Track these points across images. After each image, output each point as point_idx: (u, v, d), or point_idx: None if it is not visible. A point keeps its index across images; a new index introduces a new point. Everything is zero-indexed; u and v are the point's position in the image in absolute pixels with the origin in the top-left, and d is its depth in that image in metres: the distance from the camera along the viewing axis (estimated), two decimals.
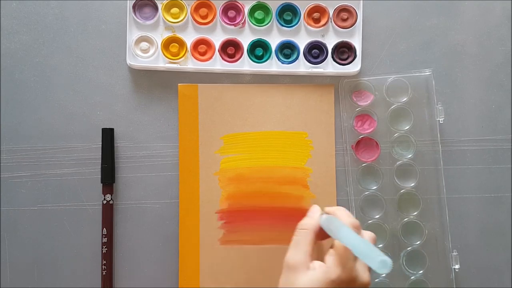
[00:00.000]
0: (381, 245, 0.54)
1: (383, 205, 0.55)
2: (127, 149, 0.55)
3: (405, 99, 0.55)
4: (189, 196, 0.54)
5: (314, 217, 0.46)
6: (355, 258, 0.42)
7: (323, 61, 0.54)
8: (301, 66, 0.55)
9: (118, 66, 0.55)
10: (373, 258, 0.37)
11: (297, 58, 0.54)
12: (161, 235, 0.54)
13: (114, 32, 0.55)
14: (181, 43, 0.54)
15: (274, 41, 0.54)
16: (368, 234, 0.45)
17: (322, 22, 0.54)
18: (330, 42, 0.55)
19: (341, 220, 0.43)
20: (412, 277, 0.54)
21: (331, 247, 0.43)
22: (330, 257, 0.42)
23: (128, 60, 0.54)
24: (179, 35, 0.54)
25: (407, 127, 0.55)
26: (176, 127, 0.55)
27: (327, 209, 0.46)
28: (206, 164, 0.54)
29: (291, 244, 0.44)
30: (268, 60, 0.54)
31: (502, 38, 0.56)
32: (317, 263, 0.42)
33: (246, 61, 0.55)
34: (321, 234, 0.45)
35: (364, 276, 0.42)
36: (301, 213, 0.54)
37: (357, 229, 0.43)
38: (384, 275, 0.54)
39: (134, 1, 0.53)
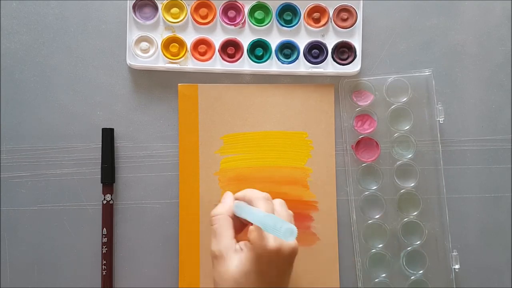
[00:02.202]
0: (381, 245, 0.54)
1: (383, 205, 0.55)
2: (127, 149, 0.55)
3: (405, 99, 0.55)
4: (189, 196, 0.54)
5: (226, 202, 0.47)
6: None
7: (323, 61, 0.54)
8: (301, 66, 0.55)
9: (118, 66, 0.55)
10: (278, 229, 0.38)
11: (297, 58, 0.54)
12: (161, 235, 0.54)
13: (114, 32, 0.55)
14: (181, 43, 0.54)
15: (274, 41, 0.54)
16: (278, 201, 0.47)
17: (322, 22, 0.54)
18: (330, 42, 0.55)
19: (252, 199, 0.45)
20: (412, 277, 0.54)
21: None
22: (252, 233, 0.43)
23: (128, 60, 0.54)
24: (179, 35, 0.54)
25: (407, 127, 0.55)
26: (176, 127, 0.55)
27: (236, 194, 0.48)
28: (206, 164, 0.54)
29: (211, 234, 0.45)
30: (268, 60, 0.54)
31: (502, 38, 0.56)
32: (242, 243, 0.43)
33: (246, 61, 0.55)
34: (237, 226, 0.46)
35: (288, 241, 0.42)
36: (301, 213, 0.54)
37: (269, 201, 0.45)
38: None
39: (134, 1, 0.53)
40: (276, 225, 0.39)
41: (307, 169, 0.54)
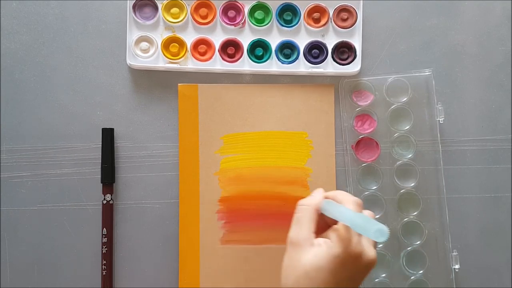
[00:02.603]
0: (381, 245, 0.54)
1: (383, 205, 0.55)
2: (127, 149, 0.55)
3: (405, 99, 0.55)
4: (189, 196, 0.54)
5: (315, 197, 0.45)
6: (360, 234, 0.41)
7: (323, 61, 0.54)
8: (301, 66, 0.55)
9: (118, 66, 0.55)
10: (369, 228, 0.37)
11: (297, 58, 0.54)
12: (161, 235, 0.54)
13: (114, 32, 0.55)
14: (181, 43, 0.54)
15: (274, 41, 0.54)
16: (367, 212, 0.45)
17: (322, 22, 0.54)
18: (330, 42, 0.55)
19: (342, 201, 0.43)
20: (412, 277, 0.54)
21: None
22: (334, 232, 0.41)
23: (128, 60, 0.54)
24: (179, 35, 0.54)
25: (407, 127, 0.55)
26: (176, 127, 0.55)
27: (327, 194, 0.46)
28: (206, 164, 0.54)
29: (293, 221, 0.44)
30: (268, 60, 0.54)
31: (502, 38, 0.56)
32: (321, 240, 0.42)
33: (246, 61, 0.55)
34: (321, 224, 0.44)
35: (369, 251, 0.42)
36: None
37: (359, 206, 0.43)
38: (383, 276, 0.54)
39: (134, 1, 0.53)
40: (366, 224, 0.38)
41: (307, 169, 0.54)
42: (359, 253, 0.41)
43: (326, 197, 0.45)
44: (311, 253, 0.41)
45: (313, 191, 0.46)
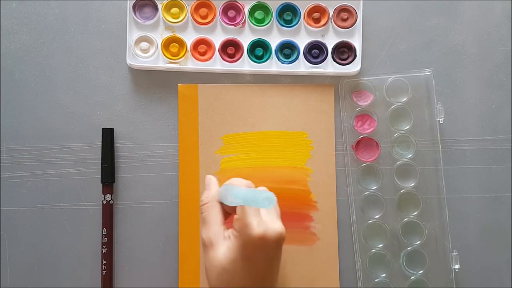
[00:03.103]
0: (381, 245, 0.54)
1: (383, 205, 0.55)
2: (127, 149, 0.55)
3: (405, 99, 0.55)
4: (189, 196, 0.54)
5: (212, 188, 0.48)
6: (258, 213, 0.43)
7: (323, 61, 0.54)
8: (301, 66, 0.55)
9: (118, 66, 0.55)
10: (258, 200, 0.40)
11: (297, 58, 0.54)
12: (161, 235, 0.54)
13: (114, 32, 0.55)
14: (181, 43, 0.54)
15: (274, 41, 0.54)
16: (262, 189, 0.47)
17: (322, 22, 0.54)
18: (330, 42, 0.55)
19: (236, 185, 0.45)
20: (412, 277, 0.54)
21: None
22: (236, 221, 0.43)
23: (128, 60, 0.54)
24: (179, 35, 0.54)
25: (407, 127, 0.55)
26: (176, 127, 0.55)
27: (223, 185, 0.47)
28: (206, 164, 0.54)
29: (201, 222, 0.46)
30: (268, 60, 0.54)
31: (502, 38, 0.56)
32: (229, 231, 0.44)
33: (246, 61, 0.55)
34: (224, 213, 0.46)
35: (274, 226, 0.43)
36: (301, 213, 0.54)
37: (251, 187, 0.46)
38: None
39: (134, 1, 0.53)
40: (256, 197, 0.40)
41: (307, 169, 0.54)
42: (263, 233, 0.42)
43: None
44: (223, 247, 0.43)
45: (206, 183, 0.49)
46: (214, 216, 0.45)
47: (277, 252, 0.43)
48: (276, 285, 0.44)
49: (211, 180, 0.49)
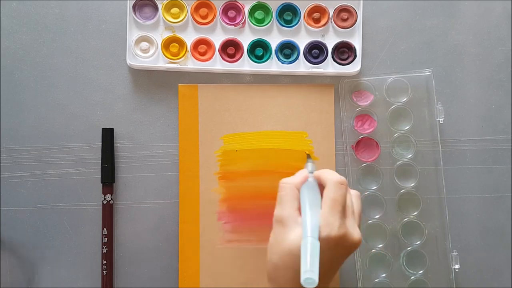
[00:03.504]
0: (381, 245, 0.54)
1: (383, 205, 0.55)
2: (127, 149, 0.55)
3: (405, 99, 0.55)
4: (189, 196, 0.54)
5: (297, 176, 0.46)
6: (344, 215, 0.42)
7: (323, 61, 0.54)
8: (301, 66, 0.55)
9: (118, 66, 0.55)
10: (304, 270, 0.38)
11: (297, 58, 0.54)
12: (161, 235, 0.54)
13: (114, 32, 0.55)
14: (181, 43, 0.54)
15: (274, 41, 0.54)
16: (354, 193, 0.46)
17: (322, 22, 0.54)
18: (330, 42, 0.55)
19: (326, 180, 0.44)
20: (412, 277, 0.54)
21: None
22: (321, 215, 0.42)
23: (128, 60, 0.54)
24: (179, 35, 0.54)
25: (407, 127, 0.55)
26: (176, 127, 0.55)
27: (316, 172, 0.46)
28: (206, 164, 0.54)
29: (277, 200, 0.44)
30: (268, 60, 0.54)
31: (502, 38, 0.56)
32: None
33: (246, 61, 0.55)
34: None
35: (353, 233, 0.42)
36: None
37: (343, 185, 0.43)
38: (384, 275, 0.54)
39: (134, 1, 0.53)
40: (307, 260, 0.38)
41: None
42: (342, 235, 0.41)
43: (317, 177, 0.46)
44: (296, 232, 0.42)
45: (297, 173, 0.47)
46: (290, 198, 0.44)
47: (344, 257, 0.43)
48: (329, 284, 0.44)
49: (301, 172, 0.47)
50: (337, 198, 0.43)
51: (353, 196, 0.46)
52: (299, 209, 0.43)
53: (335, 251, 0.42)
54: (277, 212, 0.44)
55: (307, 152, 0.53)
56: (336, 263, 0.43)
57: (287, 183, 0.45)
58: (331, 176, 0.44)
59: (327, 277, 0.43)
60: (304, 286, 0.38)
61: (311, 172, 0.47)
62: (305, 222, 0.41)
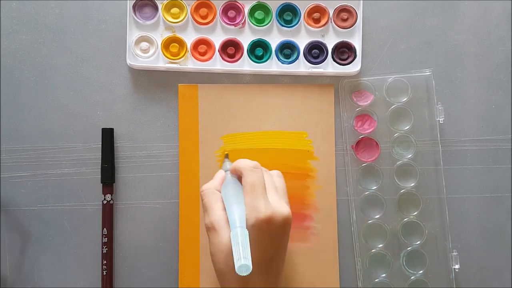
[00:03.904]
0: (381, 245, 0.54)
1: (383, 205, 0.55)
2: (127, 149, 0.55)
3: (405, 99, 0.55)
4: (189, 196, 0.54)
5: (216, 179, 0.47)
6: (265, 196, 0.43)
7: (323, 61, 0.54)
8: (301, 66, 0.55)
9: (118, 66, 0.55)
10: (239, 257, 0.39)
11: (297, 58, 0.54)
12: (161, 235, 0.54)
13: (114, 32, 0.55)
14: (181, 43, 0.54)
15: (274, 41, 0.54)
16: (274, 172, 0.47)
17: (322, 22, 0.54)
18: (330, 42, 0.55)
19: (241, 169, 0.45)
20: (412, 277, 0.54)
21: None
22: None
23: (128, 60, 0.54)
24: (179, 35, 0.54)
25: (407, 127, 0.55)
26: (176, 127, 0.55)
27: (231, 167, 0.47)
28: (206, 164, 0.54)
29: (202, 209, 0.45)
30: (268, 60, 0.54)
31: (502, 38, 0.56)
32: None
33: (246, 61, 0.55)
34: None
35: (281, 210, 0.43)
36: (301, 213, 0.54)
37: (257, 168, 0.45)
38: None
39: (134, 1, 0.53)
40: (239, 251, 0.39)
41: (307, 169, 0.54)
42: (270, 215, 0.42)
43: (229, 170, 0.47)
44: (228, 231, 0.42)
45: (215, 176, 0.48)
46: (215, 202, 0.45)
47: (284, 235, 0.44)
48: (282, 269, 0.44)
49: (219, 173, 0.48)
50: (254, 181, 0.43)
51: (274, 176, 0.47)
52: (224, 209, 0.44)
53: (270, 233, 0.42)
54: (206, 220, 0.44)
55: (226, 152, 0.53)
56: (278, 246, 0.43)
57: (207, 189, 0.46)
58: (243, 164, 0.45)
59: (276, 263, 0.43)
60: (240, 274, 0.38)
61: (227, 170, 0.48)
62: (231, 215, 0.42)
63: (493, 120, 0.56)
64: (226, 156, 0.52)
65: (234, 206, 0.43)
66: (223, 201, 0.45)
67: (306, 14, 0.54)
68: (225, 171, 0.49)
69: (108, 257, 0.53)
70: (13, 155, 0.54)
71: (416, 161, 0.55)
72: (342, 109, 0.55)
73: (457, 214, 0.55)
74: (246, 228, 0.41)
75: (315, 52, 0.54)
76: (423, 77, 0.55)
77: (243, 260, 0.38)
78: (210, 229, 0.44)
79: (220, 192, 0.46)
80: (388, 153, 0.55)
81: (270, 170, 0.54)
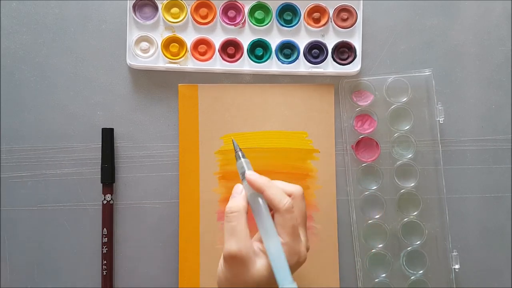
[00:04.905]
0: (381, 245, 0.54)
1: (383, 205, 0.55)
2: (127, 149, 0.55)
3: (405, 99, 0.55)
4: (189, 196, 0.54)
5: (239, 199, 0.43)
6: (293, 233, 0.41)
7: (323, 61, 0.54)
8: (301, 66, 0.55)
9: (118, 66, 0.55)
10: (280, 279, 0.39)
11: (297, 58, 0.54)
12: (161, 235, 0.54)
13: (114, 32, 0.55)
14: (181, 43, 0.54)
15: (274, 41, 0.54)
16: (297, 194, 0.43)
17: (322, 22, 0.54)
18: (330, 42, 0.55)
19: (273, 201, 0.41)
20: (412, 277, 0.54)
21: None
22: (284, 246, 0.41)
23: (128, 60, 0.54)
24: (179, 35, 0.54)
25: (407, 127, 0.55)
26: (176, 127, 0.55)
27: (254, 182, 0.43)
28: (206, 164, 0.54)
29: (226, 232, 0.41)
30: (268, 60, 0.54)
31: (502, 38, 0.56)
32: (258, 245, 0.42)
33: (246, 61, 0.55)
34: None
35: (306, 253, 0.43)
36: None
37: (292, 209, 0.41)
38: (384, 275, 0.54)
39: (134, 1, 0.53)
40: (280, 274, 0.39)
41: (307, 169, 0.54)
42: (304, 261, 0.42)
43: (249, 181, 0.42)
44: (258, 265, 0.40)
45: (233, 190, 0.44)
46: (244, 227, 0.40)
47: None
48: None
49: (238, 188, 0.44)
50: (294, 224, 0.41)
51: (298, 200, 0.43)
52: (250, 236, 0.41)
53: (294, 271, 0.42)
54: (232, 246, 0.40)
55: (232, 138, 0.49)
56: None
57: (237, 211, 0.41)
58: (278, 203, 0.41)
59: None
60: None
61: (243, 176, 0.44)
62: (274, 249, 0.40)
63: (493, 120, 0.56)
64: (239, 151, 0.46)
65: (274, 239, 0.40)
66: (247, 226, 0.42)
67: (306, 14, 0.54)
68: (242, 174, 0.44)
69: (108, 257, 0.53)
70: (13, 155, 0.54)
71: (416, 161, 0.55)
72: (342, 109, 0.55)
73: (457, 214, 0.55)
74: None
75: (315, 52, 0.54)
76: (423, 77, 0.55)
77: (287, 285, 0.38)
78: (237, 257, 0.39)
79: (246, 214, 0.42)
80: (388, 153, 0.55)
81: (270, 170, 0.54)
